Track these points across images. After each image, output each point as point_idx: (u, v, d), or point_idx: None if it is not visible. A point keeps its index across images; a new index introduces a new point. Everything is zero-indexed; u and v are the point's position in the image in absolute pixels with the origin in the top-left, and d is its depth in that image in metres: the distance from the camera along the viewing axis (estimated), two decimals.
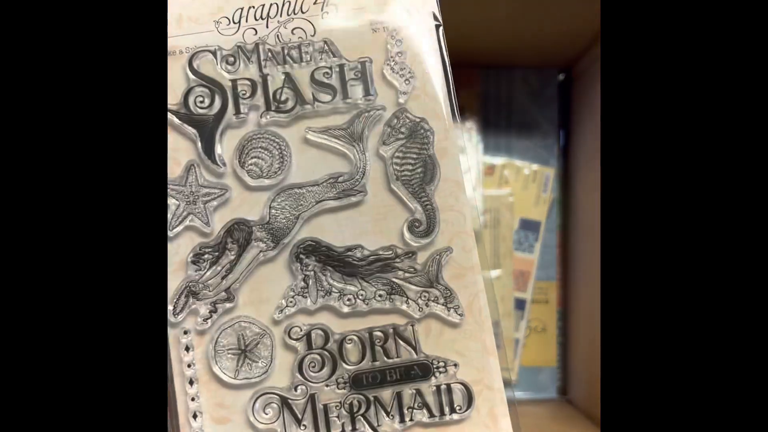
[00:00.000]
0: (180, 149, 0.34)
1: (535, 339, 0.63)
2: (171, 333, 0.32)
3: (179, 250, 0.33)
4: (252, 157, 0.34)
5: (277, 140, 0.34)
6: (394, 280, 0.33)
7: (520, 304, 0.63)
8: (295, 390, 0.32)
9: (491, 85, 0.65)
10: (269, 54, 0.34)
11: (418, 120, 0.34)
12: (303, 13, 0.35)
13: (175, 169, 0.34)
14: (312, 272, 0.33)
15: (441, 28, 0.36)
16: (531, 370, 0.63)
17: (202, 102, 0.34)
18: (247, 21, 0.35)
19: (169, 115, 0.34)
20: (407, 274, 0.33)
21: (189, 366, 0.32)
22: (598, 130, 0.57)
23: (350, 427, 0.32)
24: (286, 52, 0.35)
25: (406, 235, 0.33)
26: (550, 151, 0.65)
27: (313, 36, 0.35)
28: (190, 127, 0.34)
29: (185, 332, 0.32)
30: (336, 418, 0.32)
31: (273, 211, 0.33)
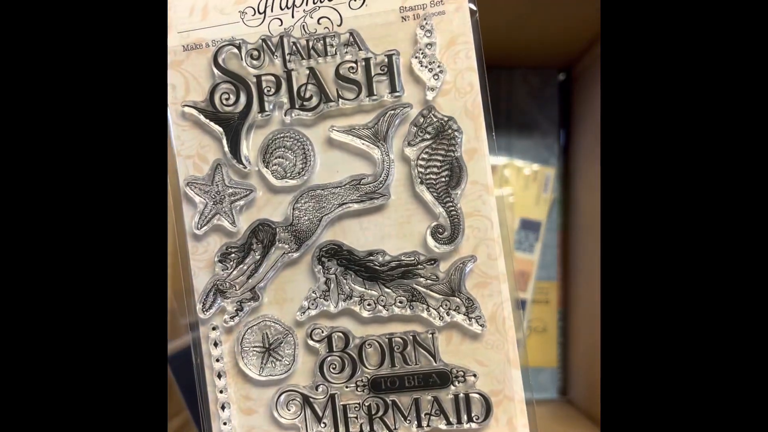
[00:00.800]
0: (206, 147, 0.34)
1: (536, 339, 0.62)
2: (201, 329, 0.34)
3: (207, 249, 0.34)
4: (276, 157, 0.33)
5: (300, 140, 0.33)
6: (415, 287, 0.33)
7: (520, 305, 0.62)
8: (317, 389, 0.33)
9: (491, 84, 0.63)
10: (294, 48, 0.33)
11: (445, 119, 0.32)
12: (329, 0, 0.33)
13: (202, 167, 0.34)
14: (333, 275, 0.33)
15: (477, 16, 0.33)
16: (531, 371, 0.61)
17: (227, 99, 0.34)
18: (272, 11, 0.33)
19: (196, 113, 0.34)
20: (429, 282, 0.32)
21: (217, 360, 0.34)
22: (599, 130, 0.55)
23: (368, 428, 0.33)
24: (311, 45, 0.33)
25: (429, 241, 0.32)
26: (550, 150, 0.63)
27: (339, 26, 0.33)
28: (216, 125, 0.34)
29: (214, 328, 0.34)
30: (355, 419, 0.33)
31: (296, 212, 0.33)
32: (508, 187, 0.62)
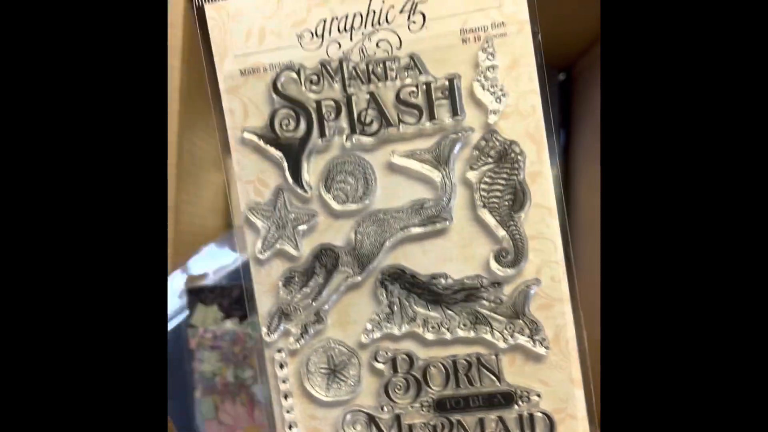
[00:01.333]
0: (267, 171, 0.34)
1: None
2: (266, 351, 0.35)
3: (270, 273, 0.34)
4: (338, 182, 0.34)
5: (361, 165, 0.33)
6: (479, 309, 0.33)
7: None
8: (382, 410, 0.34)
9: None
10: (353, 72, 0.33)
11: (508, 143, 0.32)
12: (388, 23, 0.33)
13: (263, 192, 0.34)
14: (397, 299, 0.33)
15: (539, 37, 0.32)
16: None
17: (287, 124, 0.34)
18: (330, 34, 0.33)
19: (256, 139, 0.34)
20: (493, 305, 0.33)
21: (284, 381, 0.34)
22: (599, 130, 0.53)
23: None
24: (370, 69, 0.33)
25: (493, 264, 0.33)
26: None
27: (398, 49, 0.33)
28: (276, 151, 0.34)
29: (279, 350, 0.34)
30: None
31: (358, 236, 0.33)
32: None
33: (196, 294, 0.48)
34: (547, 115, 0.33)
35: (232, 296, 0.47)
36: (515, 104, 0.32)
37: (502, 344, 0.33)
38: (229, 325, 0.47)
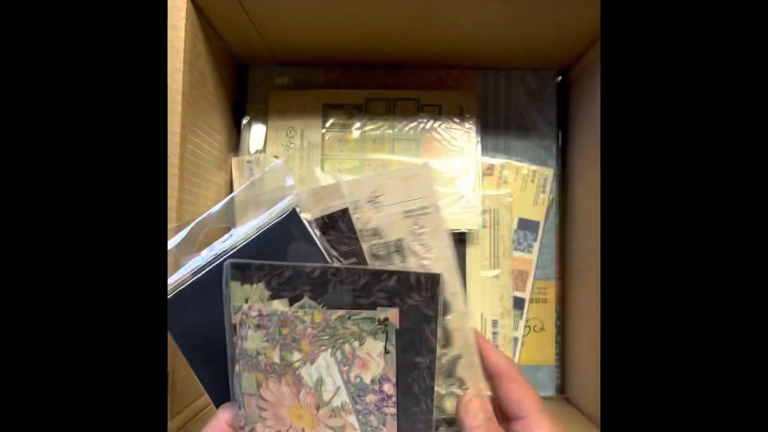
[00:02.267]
0: None
1: (534, 338, 0.62)
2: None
3: None
4: None
5: None
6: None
7: (519, 303, 0.62)
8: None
9: (491, 86, 0.65)
10: None
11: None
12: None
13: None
14: None
15: None
16: (530, 369, 0.63)
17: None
18: None
19: None
20: None
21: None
22: (595, 131, 0.56)
23: None
24: None
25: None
26: (548, 151, 0.64)
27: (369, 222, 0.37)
28: None
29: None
30: None
31: None
32: (507, 188, 0.64)
33: (240, 270, 0.38)
34: None
35: (283, 276, 0.39)
36: None
37: None
38: (277, 305, 0.40)
